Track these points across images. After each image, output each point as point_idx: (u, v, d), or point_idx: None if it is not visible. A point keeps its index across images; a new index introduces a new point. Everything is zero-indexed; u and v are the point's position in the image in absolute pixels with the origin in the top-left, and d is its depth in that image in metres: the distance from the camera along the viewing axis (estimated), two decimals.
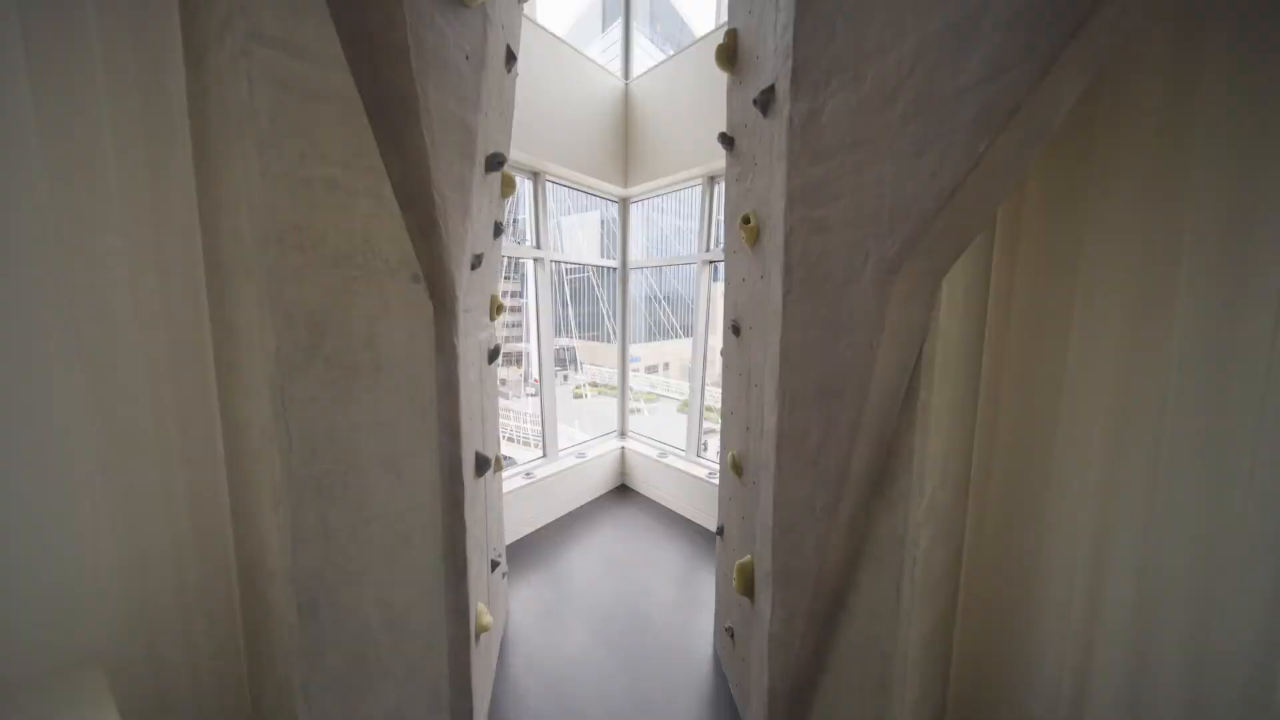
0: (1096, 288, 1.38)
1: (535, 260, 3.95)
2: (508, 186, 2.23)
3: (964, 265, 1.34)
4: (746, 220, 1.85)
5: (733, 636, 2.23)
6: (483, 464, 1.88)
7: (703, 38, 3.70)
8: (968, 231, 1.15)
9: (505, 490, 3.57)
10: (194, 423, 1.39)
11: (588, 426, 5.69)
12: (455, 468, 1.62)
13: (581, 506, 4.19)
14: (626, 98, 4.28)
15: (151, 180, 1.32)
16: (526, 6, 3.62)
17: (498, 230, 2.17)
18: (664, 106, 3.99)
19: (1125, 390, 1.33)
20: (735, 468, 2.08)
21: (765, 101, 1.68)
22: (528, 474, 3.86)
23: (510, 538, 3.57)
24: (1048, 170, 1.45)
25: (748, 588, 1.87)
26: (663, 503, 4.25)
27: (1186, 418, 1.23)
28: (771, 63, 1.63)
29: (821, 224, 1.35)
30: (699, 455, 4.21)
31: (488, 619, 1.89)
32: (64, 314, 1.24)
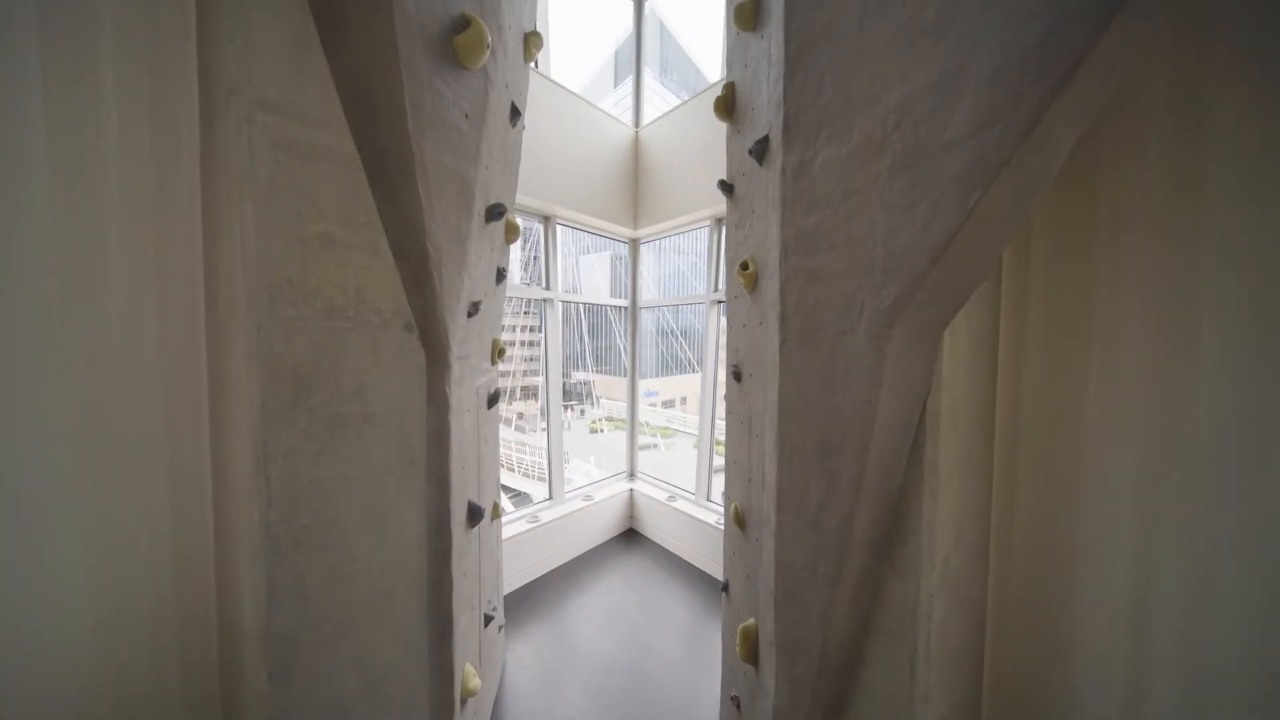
0: (1115, 330, 1.29)
1: (545, 300, 3.99)
2: (511, 233, 2.27)
3: (968, 315, 1.28)
4: (745, 266, 1.84)
5: (738, 706, 2.07)
6: (475, 514, 1.83)
7: (707, 88, 3.82)
8: (967, 283, 1.10)
9: (509, 535, 3.49)
10: (184, 477, 1.39)
11: (604, 462, 5.60)
12: (443, 520, 1.57)
13: (588, 552, 4.06)
14: (637, 144, 4.42)
15: (159, 237, 1.37)
16: (541, 65, 3.82)
17: (500, 276, 2.20)
18: (673, 152, 4.09)
19: (1155, 440, 1.23)
20: (738, 520, 1.99)
21: (760, 151, 1.69)
22: (533, 518, 3.77)
23: (513, 585, 3.46)
24: (1053, 212, 1.41)
25: (751, 654, 1.74)
26: (671, 549, 4.09)
27: (1225, 467, 1.12)
28: (765, 114, 1.65)
29: (816, 273, 1.32)
30: (707, 500, 4.07)
31: (475, 681, 1.79)
32: (61, 366, 1.27)
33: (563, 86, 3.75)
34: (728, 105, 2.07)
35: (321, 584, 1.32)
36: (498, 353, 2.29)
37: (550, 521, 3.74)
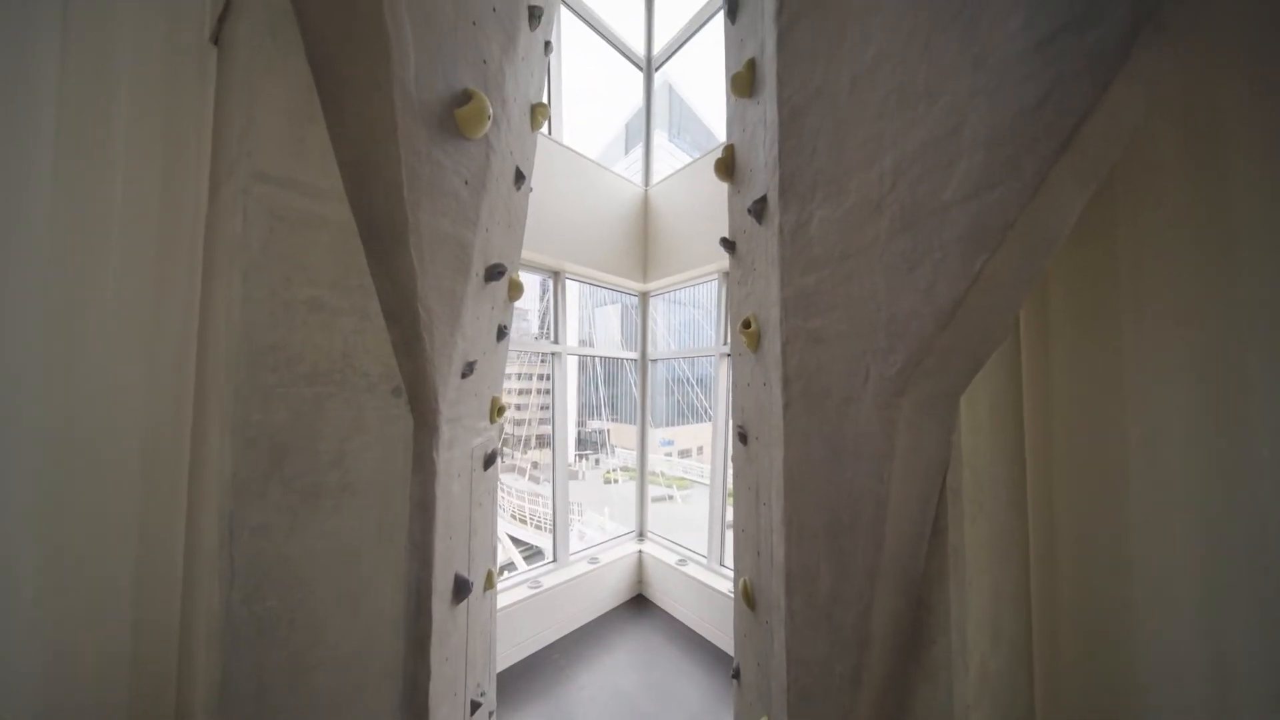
0: (1151, 389, 1.17)
1: (554, 354, 3.98)
2: (515, 291, 2.28)
3: (986, 380, 1.19)
4: (747, 324, 1.78)
5: None
6: (462, 588, 1.70)
7: (714, 148, 3.95)
8: (981, 348, 1.01)
9: (508, 603, 3.29)
10: (156, 558, 1.32)
11: (618, 514, 5.37)
12: (423, 599, 1.46)
13: (592, 621, 3.80)
14: (646, 202, 4.54)
15: (158, 304, 1.38)
16: (555, 131, 4.01)
17: (501, 333, 2.18)
18: (681, 208, 4.18)
19: (1217, 509, 1.07)
20: (748, 598, 1.81)
21: (759, 210, 1.67)
22: (534, 583, 3.57)
23: (510, 659, 3.22)
24: (1068, 270, 1.33)
25: None
26: (682, 618, 3.80)
27: None
28: (762, 175, 1.65)
29: (817, 335, 1.24)
30: (720, 564, 3.82)
31: None
32: (48, 434, 1.24)
33: (574, 150, 3.92)
34: (728, 166, 2.09)
35: (282, 676, 1.20)
36: (497, 411, 2.23)
37: (553, 588, 3.54)
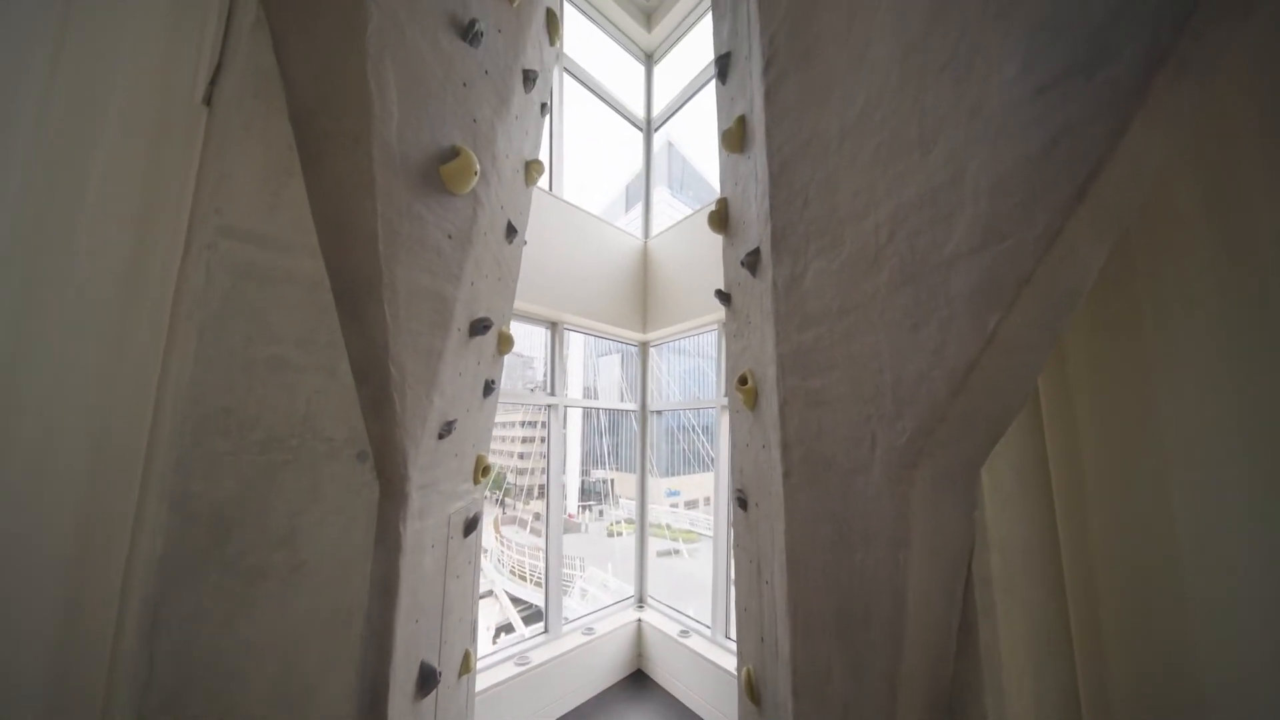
0: (1191, 447, 1.03)
1: (549, 407, 3.87)
2: (505, 344, 2.21)
3: (1008, 448, 1.06)
4: (744, 381, 1.68)
5: None
6: (428, 679, 1.51)
7: (710, 202, 4.01)
8: (1000, 415, 0.90)
9: (492, 683, 3.00)
10: (77, 663, 1.16)
11: (621, 570, 5.04)
12: (378, 696, 1.28)
13: (586, 702, 3.46)
14: (645, 254, 4.58)
15: (120, 362, 1.30)
16: (555, 187, 4.11)
17: (489, 389, 2.09)
18: (680, 260, 4.19)
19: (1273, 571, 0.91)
20: (751, 692, 1.60)
21: (752, 263, 1.62)
22: (521, 659, 3.27)
23: None
24: (1084, 318, 1.23)
25: None
26: (684, 699, 3.45)
27: None
28: (755, 228, 1.61)
29: (817, 396, 1.14)
30: (726, 637, 3.51)
31: None
32: None
33: (573, 205, 3.99)
34: (721, 219, 2.07)
35: None
36: (482, 471, 2.10)
37: (543, 664, 3.24)
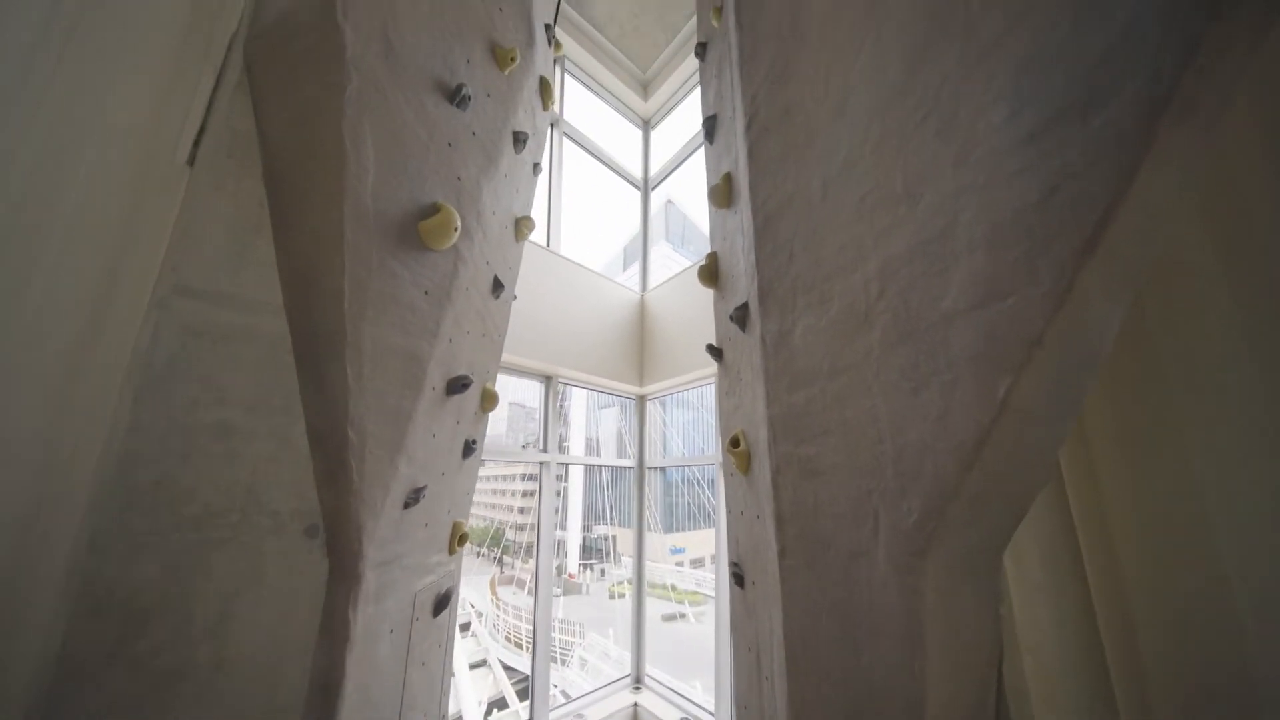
0: (1231, 509, 0.89)
1: (542, 465, 3.72)
2: (489, 402, 2.11)
3: (1032, 527, 0.93)
4: (735, 443, 1.56)
5: None
6: None
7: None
8: (1021, 494, 0.78)
9: None
10: None
11: (623, 636, 4.64)
12: None
13: None
14: (643, 307, 4.57)
15: (57, 434, 1.21)
16: (552, 243, 4.16)
17: (469, 449, 1.97)
18: (678, 312, 4.17)
19: None
20: None
21: (741, 318, 1.55)
22: None
23: None
24: (1104, 383, 1.12)
25: None
26: None
27: None
28: (743, 282, 1.55)
29: (812, 466, 1.02)
30: None
31: None
32: None
33: (568, 259, 4.02)
34: (712, 273, 2.04)
35: None
36: (458, 540, 1.94)
37: None
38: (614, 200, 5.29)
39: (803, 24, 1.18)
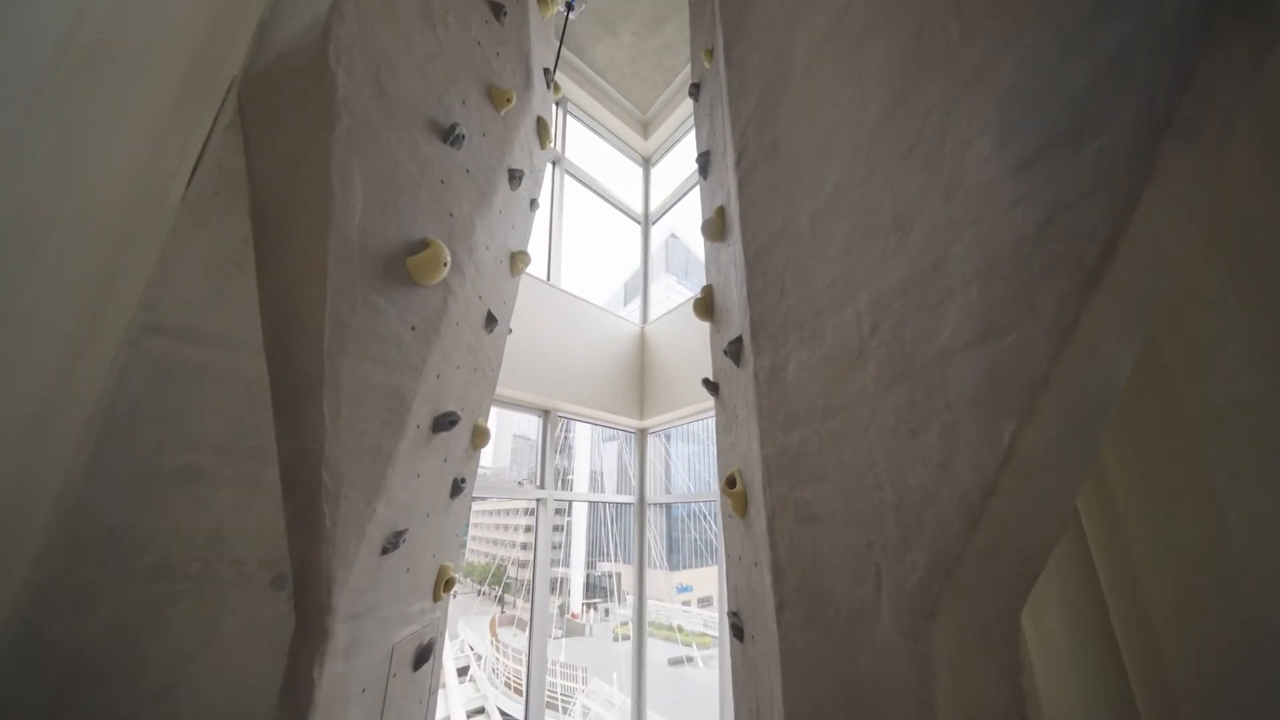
0: (1268, 553, 0.80)
1: (539, 501, 3.62)
2: (480, 438, 2.06)
3: (1052, 584, 0.85)
4: (732, 483, 1.49)
5: None
6: None
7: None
8: (1036, 550, 0.71)
9: None
10: None
11: (628, 683, 4.38)
12: None
13: None
14: (643, 339, 4.55)
15: (18, 481, 1.16)
16: (553, 277, 4.19)
17: (456, 489, 1.90)
18: (679, 344, 4.14)
19: None
20: None
21: (735, 352, 1.50)
22: None
23: None
24: (1124, 420, 1.05)
25: None
26: None
27: None
28: (737, 316, 1.52)
29: (809, 511, 0.95)
30: None
31: None
32: None
33: (568, 292, 4.04)
34: (707, 306, 2.01)
35: None
36: (444, 585, 1.85)
37: None
38: (616, 236, 5.36)
39: (788, 61, 1.19)
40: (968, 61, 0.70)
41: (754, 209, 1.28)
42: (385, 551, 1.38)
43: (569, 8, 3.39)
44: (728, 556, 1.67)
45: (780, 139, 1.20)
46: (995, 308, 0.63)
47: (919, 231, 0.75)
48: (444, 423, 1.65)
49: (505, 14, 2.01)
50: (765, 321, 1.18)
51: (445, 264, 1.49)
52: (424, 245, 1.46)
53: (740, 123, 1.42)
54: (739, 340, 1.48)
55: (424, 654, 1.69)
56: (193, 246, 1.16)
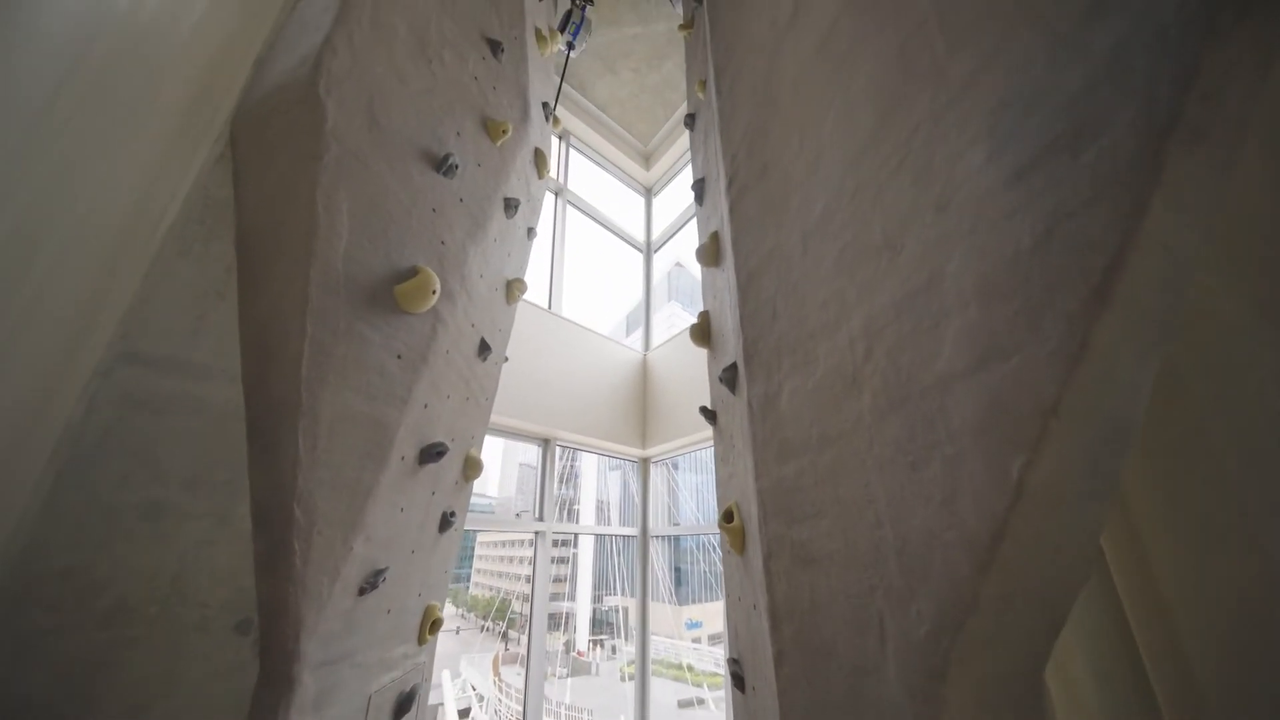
0: None
1: (538, 534, 3.51)
2: (472, 469, 2.00)
3: (1078, 634, 0.76)
4: (729, 517, 1.41)
5: None
6: None
7: None
8: (1055, 597, 0.63)
9: None
10: None
11: None
12: None
13: None
14: (645, 367, 4.50)
15: None
16: (554, 305, 4.19)
17: (446, 523, 1.83)
18: (680, 371, 4.09)
19: None
20: None
21: (730, 379, 1.45)
22: None
23: None
24: (1149, 450, 0.98)
25: None
26: None
27: None
28: (731, 341, 1.47)
29: (806, 552, 0.88)
30: None
31: None
32: None
33: (568, 319, 4.02)
34: (703, 332, 1.98)
35: None
36: (429, 627, 1.76)
37: None
38: (619, 266, 5.40)
39: (777, 84, 1.18)
40: (956, 72, 0.67)
41: (745, 232, 1.25)
42: (363, 592, 1.31)
43: (570, 47, 3.50)
44: (728, 595, 1.57)
45: (770, 161, 1.18)
46: (996, 328, 0.57)
47: (911, 249, 0.71)
48: (431, 454, 1.59)
49: (503, 51, 2.06)
50: (758, 347, 1.13)
51: (434, 291, 1.47)
52: (413, 273, 1.44)
53: (731, 147, 1.41)
54: (734, 367, 1.43)
55: (405, 703, 1.59)
56: (174, 275, 1.15)
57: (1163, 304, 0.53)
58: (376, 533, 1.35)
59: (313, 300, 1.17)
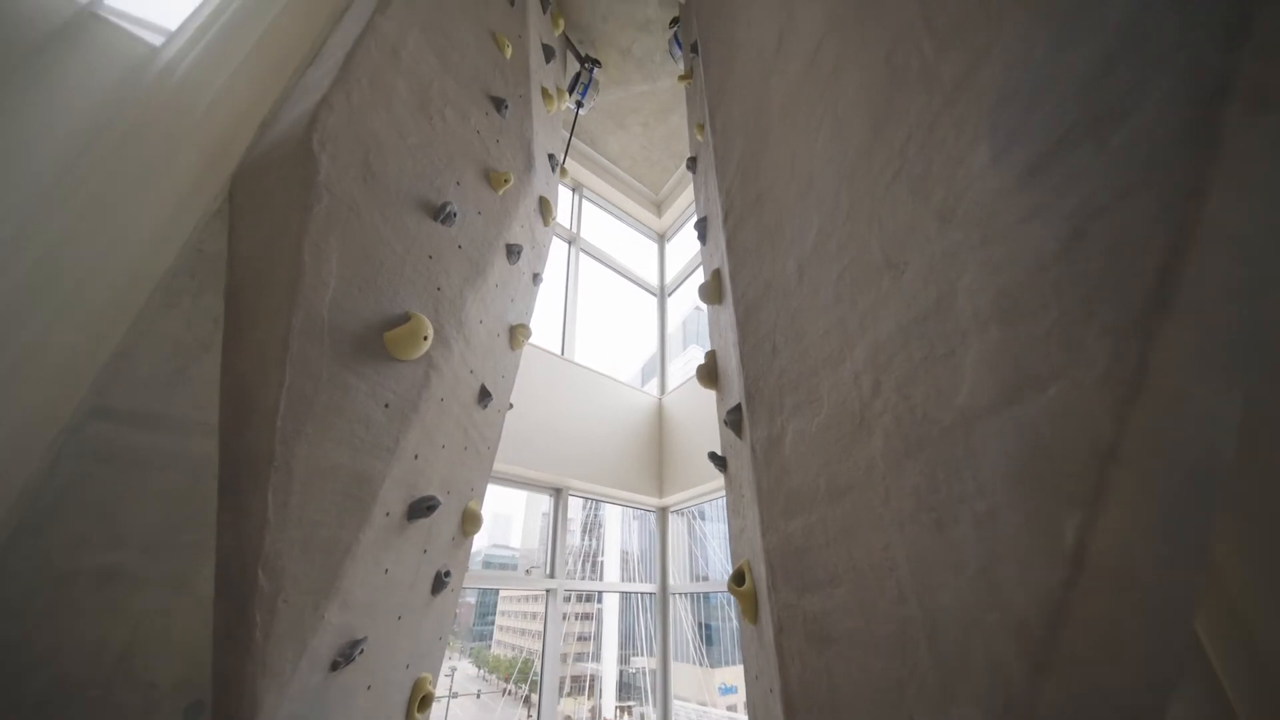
0: None
1: (548, 592, 3.31)
2: (471, 524, 1.89)
3: None
4: (740, 579, 1.25)
5: None
6: None
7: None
8: (1140, 702, 0.48)
9: None
10: None
11: None
12: None
13: None
14: (661, 412, 4.38)
15: None
16: (566, 351, 4.17)
17: (440, 583, 1.71)
18: (699, 415, 3.95)
19: None
20: None
21: (735, 422, 1.34)
22: None
23: None
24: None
25: None
26: None
27: None
28: (735, 381, 1.37)
29: (819, 627, 0.74)
30: None
31: None
32: None
33: (582, 365, 3.98)
34: (710, 373, 1.87)
35: None
36: (419, 703, 1.60)
37: None
38: (634, 314, 5.40)
39: (767, 113, 1.14)
40: (948, 74, 0.60)
41: (743, 264, 1.18)
42: (335, 666, 1.19)
43: (579, 105, 3.66)
44: (745, 671, 1.38)
45: (763, 191, 1.12)
46: (1024, 352, 0.47)
47: (915, 267, 0.62)
48: (421, 508, 1.50)
49: (507, 107, 2.13)
50: (759, 385, 1.03)
51: (426, 338, 1.43)
52: (405, 319, 1.41)
53: (725, 181, 1.37)
54: (738, 408, 1.32)
55: None
56: (158, 328, 1.14)
57: (1239, 313, 0.42)
58: (355, 597, 1.25)
59: (293, 348, 1.13)
